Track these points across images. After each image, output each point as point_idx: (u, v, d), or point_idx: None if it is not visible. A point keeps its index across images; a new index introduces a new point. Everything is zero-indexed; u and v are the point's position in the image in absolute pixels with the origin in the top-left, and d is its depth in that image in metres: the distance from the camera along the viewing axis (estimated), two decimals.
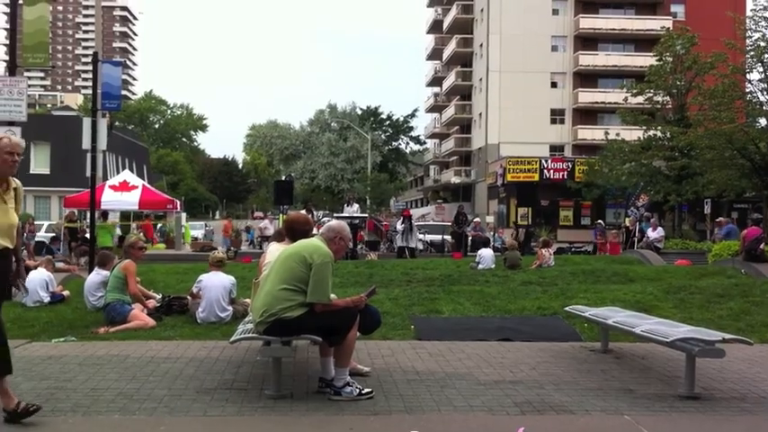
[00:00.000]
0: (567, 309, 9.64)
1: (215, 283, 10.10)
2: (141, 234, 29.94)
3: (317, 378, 6.64)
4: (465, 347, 8.53)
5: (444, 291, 12.38)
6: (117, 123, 63.52)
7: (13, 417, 5.44)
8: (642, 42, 58.61)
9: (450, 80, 75.43)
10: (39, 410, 5.48)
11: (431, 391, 6.58)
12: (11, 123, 14.28)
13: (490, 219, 49.71)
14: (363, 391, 6.32)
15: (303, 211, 25.48)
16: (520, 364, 7.73)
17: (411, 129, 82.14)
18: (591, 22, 62.20)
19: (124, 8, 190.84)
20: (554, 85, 63.11)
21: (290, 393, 6.42)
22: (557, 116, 63.30)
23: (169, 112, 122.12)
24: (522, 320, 10.18)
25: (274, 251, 7.32)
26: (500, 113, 61.32)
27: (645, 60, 44.66)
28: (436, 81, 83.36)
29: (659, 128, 33.74)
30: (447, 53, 75.70)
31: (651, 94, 34.44)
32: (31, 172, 47.28)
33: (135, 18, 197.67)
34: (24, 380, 6.82)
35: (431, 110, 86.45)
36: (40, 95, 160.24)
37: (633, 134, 37.34)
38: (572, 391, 6.71)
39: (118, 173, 40.69)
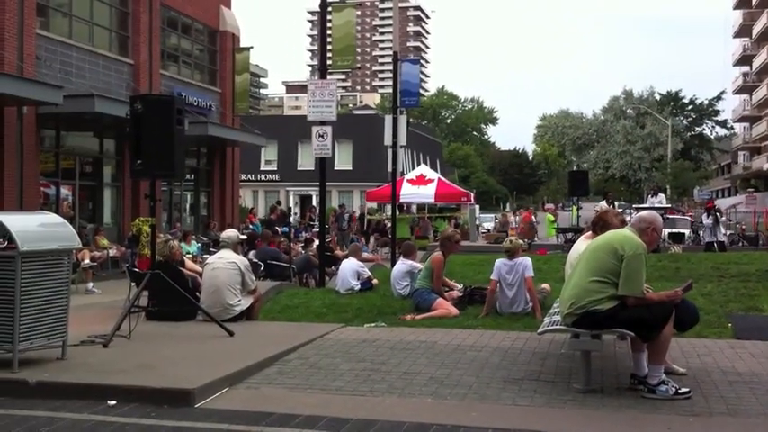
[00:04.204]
0: None
1: (511, 270, 9.89)
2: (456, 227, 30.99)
3: (626, 374, 6.42)
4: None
5: (764, 287, 11.29)
6: (411, 120, 66.33)
7: None
8: None
9: (761, 58, 69.11)
10: None
11: (756, 395, 6.03)
12: (323, 123, 15.42)
13: None
14: (680, 391, 5.94)
15: (603, 203, 24.72)
16: None
17: (717, 113, 76.48)
18: None
19: (417, 8, 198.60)
20: None
21: (601, 388, 6.21)
22: None
23: (460, 106, 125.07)
24: None
25: (581, 244, 7.13)
26: None
27: None
28: (745, 60, 76.79)
29: None
30: (757, 29, 69.42)
31: None
32: (335, 168, 50.78)
33: (427, 17, 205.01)
34: (343, 361, 7.31)
35: (739, 91, 79.80)
36: (341, 96, 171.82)
37: None
38: None
39: (413, 167, 42.37)
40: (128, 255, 17.66)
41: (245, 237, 12.73)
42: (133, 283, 10.30)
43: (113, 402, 5.95)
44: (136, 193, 21.71)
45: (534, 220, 34.27)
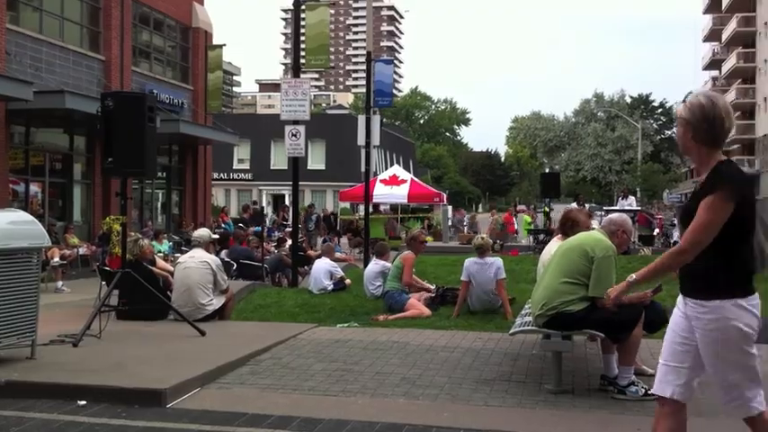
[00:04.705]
0: None
1: (481, 270, 9.92)
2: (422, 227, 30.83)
3: (597, 375, 6.47)
4: (764, 350, 7.79)
5: None
6: (384, 120, 66.37)
7: None
8: None
9: (730, 62, 70.11)
10: None
11: None
12: (296, 122, 15.39)
13: None
14: (650, 392, 5.96)
15: (574, 204, 24.87)
16: None
17: None
18: None
19: (391, 8, 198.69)
20: None
21: (571, 389, 6.27)
22: None
23: (433, 107, 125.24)
24: None
25: (554, 245, 7.19)
26: None
27: None
28: (714, 64, 77.84)
29: None
30: (726, 34, 70.44)
31: None
32: (308, 168, 50.68)
33: (401, 17, 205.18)
34: (316, 361, 7.30)
35: None
36: (315, 95, 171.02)
37: None
38: None
39: (386, 168, 42.36)
40: (98, 253, 17.50)
41: (217, 236, 12.65)
42: (103, 282, 10.20)
43: (83, 402, 5.90)
44: (106, 190, 21.52)
45: (514, 221, 34.32)
